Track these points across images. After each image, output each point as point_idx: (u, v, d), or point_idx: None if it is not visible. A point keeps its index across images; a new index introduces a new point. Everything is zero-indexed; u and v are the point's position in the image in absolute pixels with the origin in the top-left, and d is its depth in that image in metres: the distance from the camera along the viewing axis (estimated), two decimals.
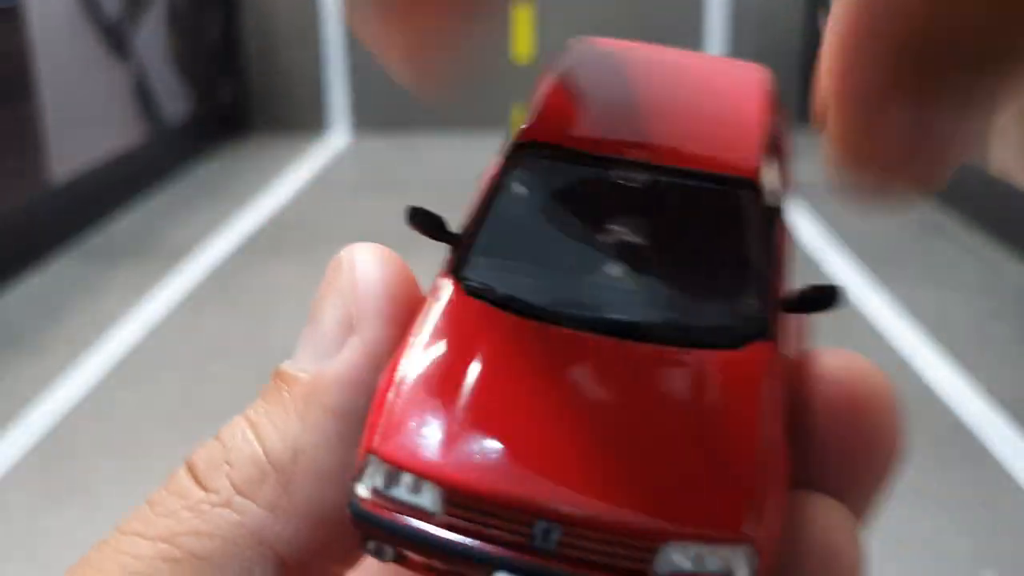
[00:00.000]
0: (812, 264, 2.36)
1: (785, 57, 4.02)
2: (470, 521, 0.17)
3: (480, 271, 0.20)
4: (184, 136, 3.41)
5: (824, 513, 0.19)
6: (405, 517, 0.17)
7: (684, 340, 0.19)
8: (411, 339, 0.19)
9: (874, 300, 2.11)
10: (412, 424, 0.18)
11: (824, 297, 0.21)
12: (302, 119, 4.04)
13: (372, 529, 0.18)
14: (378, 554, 0.18)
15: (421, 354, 0.19)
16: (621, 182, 0.21)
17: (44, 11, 2.42)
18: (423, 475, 0.17)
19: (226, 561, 0.19)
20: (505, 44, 4.06)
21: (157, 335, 1.98)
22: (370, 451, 0.18)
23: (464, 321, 0.19)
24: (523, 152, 0.21)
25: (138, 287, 2.24)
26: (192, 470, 0.20)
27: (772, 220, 0.21)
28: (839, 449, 0.20)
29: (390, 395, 0.18)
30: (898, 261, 2.36)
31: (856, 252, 2.41)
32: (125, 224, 2.76)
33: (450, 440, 0.18)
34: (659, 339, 0.19)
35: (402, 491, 0.18)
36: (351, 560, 0.21)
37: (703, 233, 0.21)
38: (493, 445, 0.17)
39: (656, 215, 0.20)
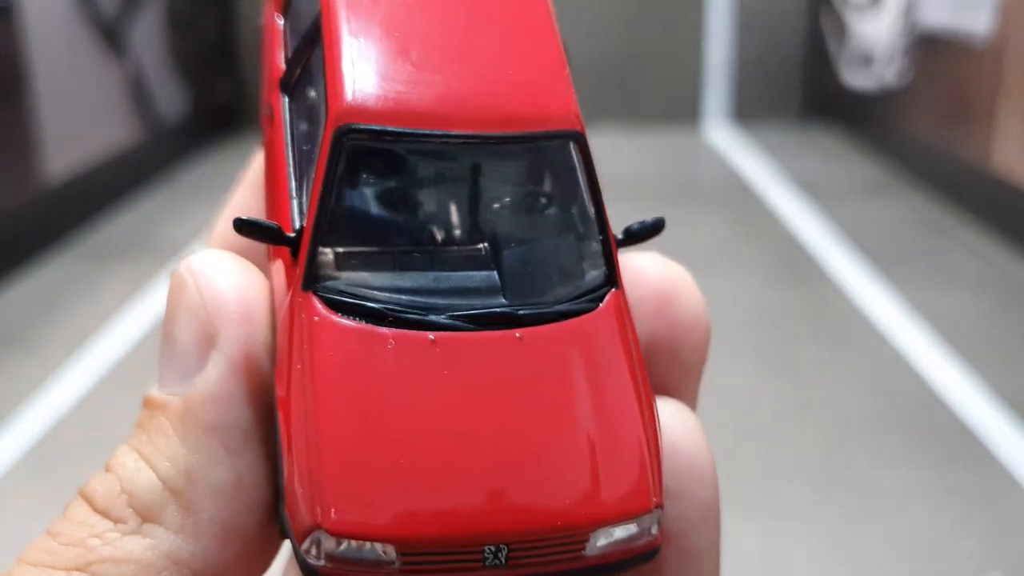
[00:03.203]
0: (814, 262, 2.35)
1: (787, 57, 4.01)
2: (427, 564, 0.18)
3: (336, 282, 0.20)
4: (181, 135, 3.40)
5: (675, 420, 0.21)
6: (363, 572, 0.18)
7: (555, 317, 0.20)
8: (299, 378, 0.19)
9: (879, 300, 2.10)
10: (345, 487, 0.18)
11: (651, 228, 0.22)
12: None
13: None
14: None
15: (319, 398, 0.19)
16: (450, 159, 0.21)
17: (40, 9, 2.40)
18: (375, 540, 0.18)
19: None
20: None
21: (154, 334, 1.97)
22: (316, 526, 0.18)
23: (346, 349, 0.19)
24: (347, 138, 0.20)
25: (134, 286, 2.23)
26: (90, 502, 0.20)
27: (591, 160, 0.22)
28: (664, 343, 0.22)
29: (310, 455, 0.18)
30: (903, 261, 2.35)
31: (861, 251, 2.40)
32: (121, 223, 2.75)
33: (387, 494, 0.18)
34: (532, 322, 0.20)
35: (356, 551, 0.18)
36: (264, 566, 0.21)
37: (543, 195, 0.21)
38: (428, 486, 0.18)
39: (493, 188, 0.21)
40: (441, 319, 0.20)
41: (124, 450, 0.21)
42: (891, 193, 2.96)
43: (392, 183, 0.21)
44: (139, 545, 0.19)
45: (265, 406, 0.20)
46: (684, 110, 4.06)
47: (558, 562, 0.19)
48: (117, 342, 1.94)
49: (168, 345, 0.21)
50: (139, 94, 3.06)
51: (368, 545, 0.18)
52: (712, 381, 1.44)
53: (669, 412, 0.21)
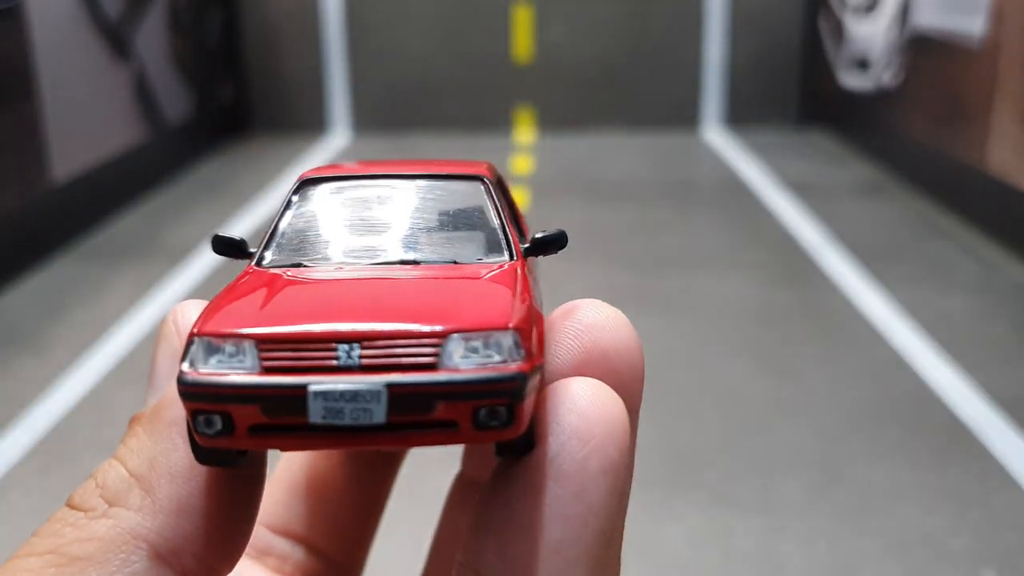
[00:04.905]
0: (811, 263, 2.36)
1: (785, 57, 4.03)
2: (282, 361, 0.21)
3: (272, 258, 0.25)
4: (185, 136, 3.41)
5: (580, 381, 0.23)
6: (227, 376, 0.21)
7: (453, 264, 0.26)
8: (225, 290, 0.23)
9: (875, 300, 2.12)
10: (225, 312, 0.22)
11: (555, 239, 0.26)
12: (302, 119, 4.04)
13: (200, 396, 0.21)
14: (208, 426, 0.21)
15: (225, 293, 0.23)
16: (388, 187, 0.27)
17: (45, 12, 2.42)
18: (238, 337, 0.21)
19: (106, 557, 0.22)
20: (505, 44, 4.06)
21: None
22: (192, 335, 0.21)
23: (259, 278, 0.24)
24: (301, 183, 0.27)
25: (139, 287, 2.25)
26: (70, 503, 0.23)
27: (500, 196, 0.28)
28: (602, 372, 0.24)
29: (206, 310, 0.22)
30: (899, 261, 2.37)
31: (857, 252, 2.41)
32: (126, 224, 2.76)
33: (255, 313, 0.22)
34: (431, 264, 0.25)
35: (223, 358, 0.21)
36: (219, 550, 0.23)
37: (458, 215, 0.27)
38: (290, 308, 0.22)
39: (416, 213, 0.27)
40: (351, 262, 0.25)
41: (107, 460, 0.24)
42: (887, 194, 2.97)
43: (331, 214, 0.27)
44: (104, 525, 0.22)
45: None
46: (684, 113, 4.07)
47: (413, 367, 0.21)
48: (121, 343, 1.95)
49: (151, 373, 0.24)
50: (143, 96, 3.07)
51: (233, 351, 0.21)
52: (709, 379, 1.45)
53: (585, 384, 0.23)
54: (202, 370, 0.21)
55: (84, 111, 2.65)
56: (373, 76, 4.07)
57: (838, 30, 3.63)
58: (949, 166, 2.69)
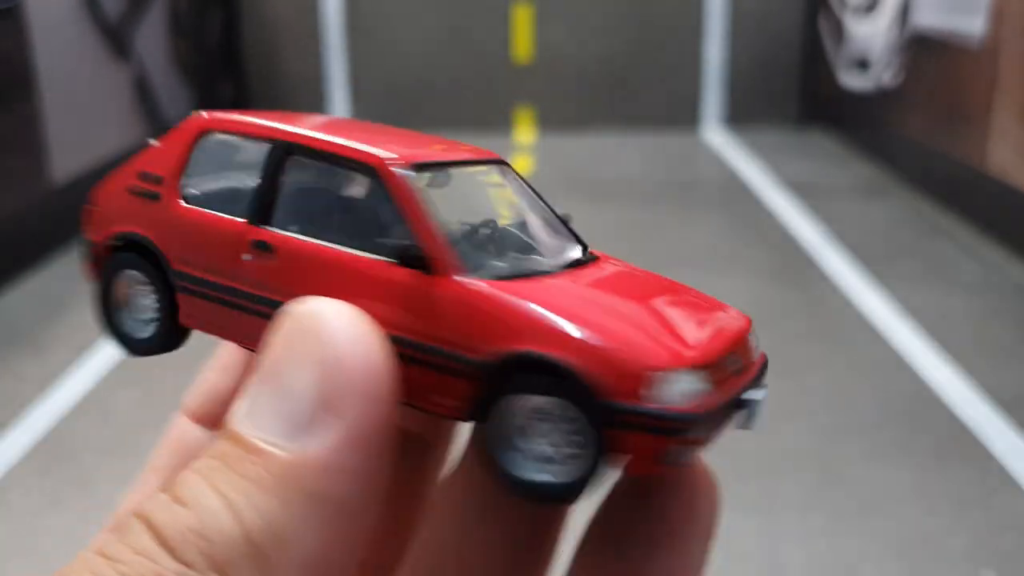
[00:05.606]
0: (811, 263, 2.36)
1: (784, 57, 4.03)
2: (718, 381, 0.24)
3: (483, 265, 0.26)
4: None
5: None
6: (702, 405, 0.23)
7: (587, 262, 0.28)
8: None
9: (875, 299, 2.12)
10: (628, 342, 0.23)
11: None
12: None
13: (686, 428, 0.22)
14: (679, 456, 0.23)
15: (551, 301, 0.24)
16: (477, 174, 0.29)
17: (45, 12, 2.42)
18: (692, 366, 0.23)
19: None
20: (505, 44, 4.06)
21: None
22: (658, 368, 0.22)
23: (553, 288, 0.26)
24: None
25: None
26: (155, 530, 0.19)
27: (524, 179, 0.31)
28: None
29: (597, 327, 0.23)
30: (899, 261, 2.37)
31: (857, 252, 2.41)
32: None
33: (658, 340, 0.23)
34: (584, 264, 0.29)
35: (680, 388, 0.23)
36: None
37: (530, 197, 0.30)
38: (678, 337, 0.24)
39: (510, 190, 0.30)
40: (544, 267, 0.27)
41: (198, 482, 0.19)
42: (887, 194, 2.97)
43: (474, 207, 0.29)
44: None
45: (375, 483, 0.19)
46: (684, 113, 4.08)
47: (752, 366, 0.26)
48: None
49: (274, 385, 0.20)
50: (143, 97, 3.07)
51: (687, 376, 0.23)
52: None
53: None
54: (670, 402, 0.22)
55: (84, 111, 2.65)
56: (373, 76, 4.07)
57: (838, 30, 3.63)
58: (949, 166, 2.69)
